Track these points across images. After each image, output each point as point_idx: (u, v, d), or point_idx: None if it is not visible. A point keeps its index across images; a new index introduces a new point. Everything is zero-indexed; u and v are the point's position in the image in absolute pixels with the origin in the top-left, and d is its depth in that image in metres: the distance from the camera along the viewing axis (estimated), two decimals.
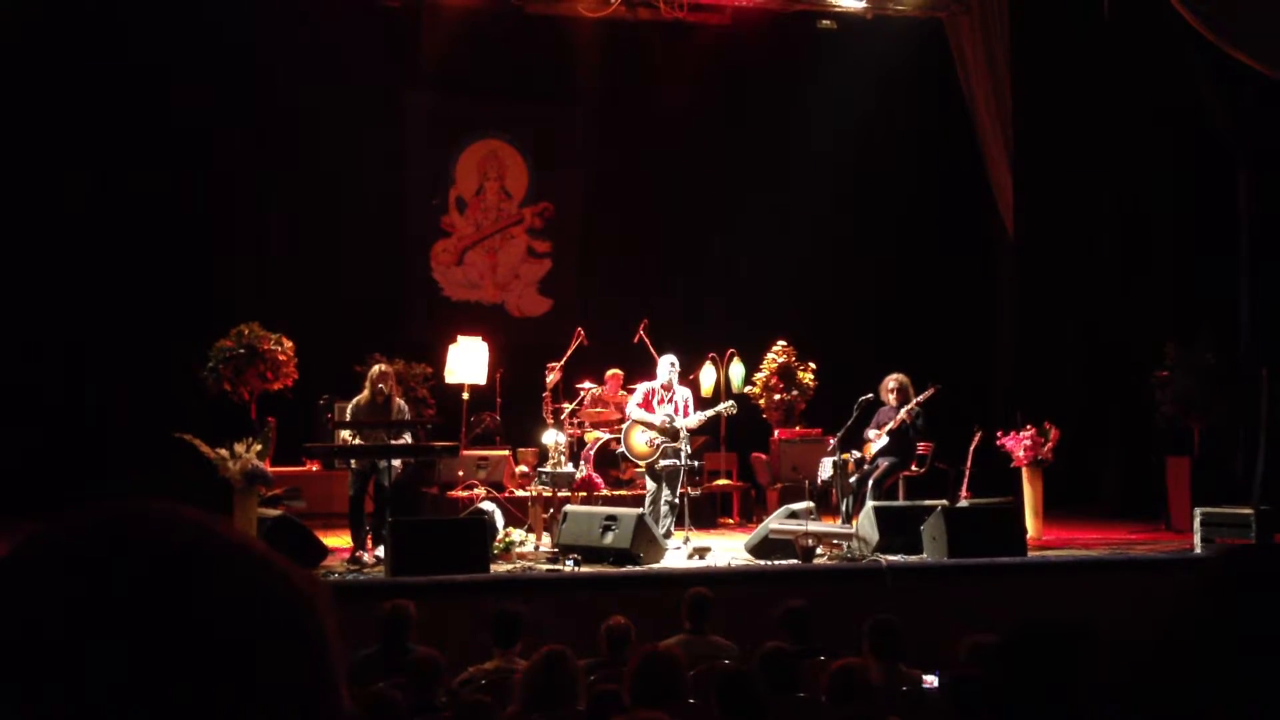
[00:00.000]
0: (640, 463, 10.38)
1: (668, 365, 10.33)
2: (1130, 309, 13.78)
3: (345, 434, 9.86)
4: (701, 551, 9.63)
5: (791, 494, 11.48)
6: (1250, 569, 0.82)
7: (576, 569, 8.92)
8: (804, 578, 8.67)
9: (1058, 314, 14.10)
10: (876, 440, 10.51)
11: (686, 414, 10.20)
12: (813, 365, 13.28)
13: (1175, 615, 0.82)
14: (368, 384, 9.85)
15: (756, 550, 9.51)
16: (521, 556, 9.64)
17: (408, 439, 9.83)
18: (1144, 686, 0.81)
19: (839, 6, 13.99)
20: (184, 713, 0.70)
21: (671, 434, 10.12)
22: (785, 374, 13.20)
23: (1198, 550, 9.86)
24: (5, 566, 0.75)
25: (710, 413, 10.32)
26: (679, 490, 10.19)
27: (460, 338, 12.33)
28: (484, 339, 12.38)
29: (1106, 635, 0.87)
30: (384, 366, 10.05)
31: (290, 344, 12.03)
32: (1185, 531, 11.00)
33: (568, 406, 11.59)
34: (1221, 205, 12.77)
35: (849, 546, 9.47)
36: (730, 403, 10.54)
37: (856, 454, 10.54)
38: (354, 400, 9.91)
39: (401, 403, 10.01)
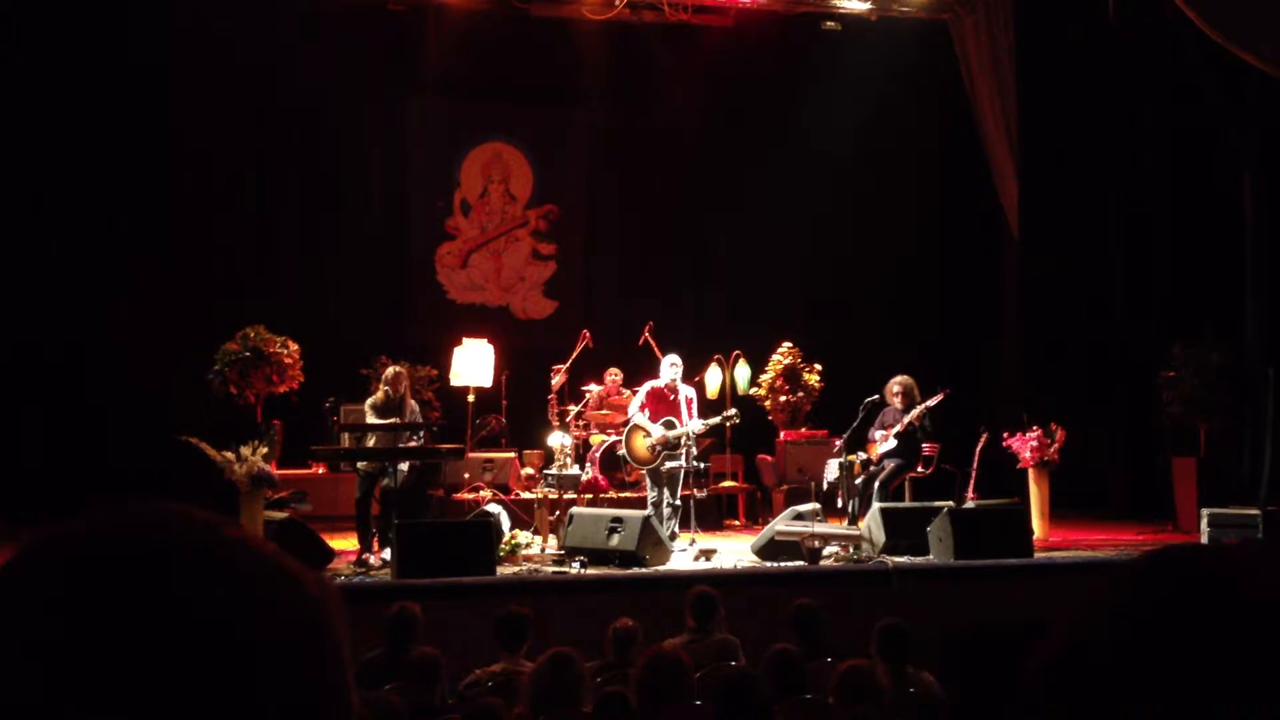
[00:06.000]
0: (642, 467, 10.36)
1: (669, 365, 10.33)
2: (1136, 309, 13.76)
3: (347, 436, 9.90)
4: (707, 553, 9.63)
5: (797, 496, 11.47)
6: (1176, 571, 0.82)
7: (583, 571, 8.92)
8: (810, 579, 8.66)
9: (1063, 314, 14.08)
10: (883, 442, 10.50)
11: (691, 413, 10.18)
12: (818, 367, 13.27)
13: (1093, 614, 0.82)
14: (381, 385, 9.88)
15: (762, 552, 9.50)
16: (527, 559, 9.65)
17: (416, 441, 9.85)
18: (1052, 686, 0.81)
19: (843, 8, 13.99)
20: (196, 715, 0.70)
21: (672, 444, 10.09)
22: (791, 375, 13.19)
23: None
24: (15, 568, 0.75)
25: (714, 421, 10.30)
26: (681, 492, 10.18)
27: (465, 340, 12.34)
28: (489, 341, 12.38)
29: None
30: (397, 368, 10.09)
31: (295, 347, 12.05)
32: (1192, 532, 11.00)
33: (573, 409, 11.59)
34: (1227, 205, 12.75)
35: (855, 548, 9.46)
36: (733, 412, 10.53)
37: (862, 455, 10.53)
38: (368, 401, 9.94)
39: (414, 404, 10.04)
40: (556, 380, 11.76)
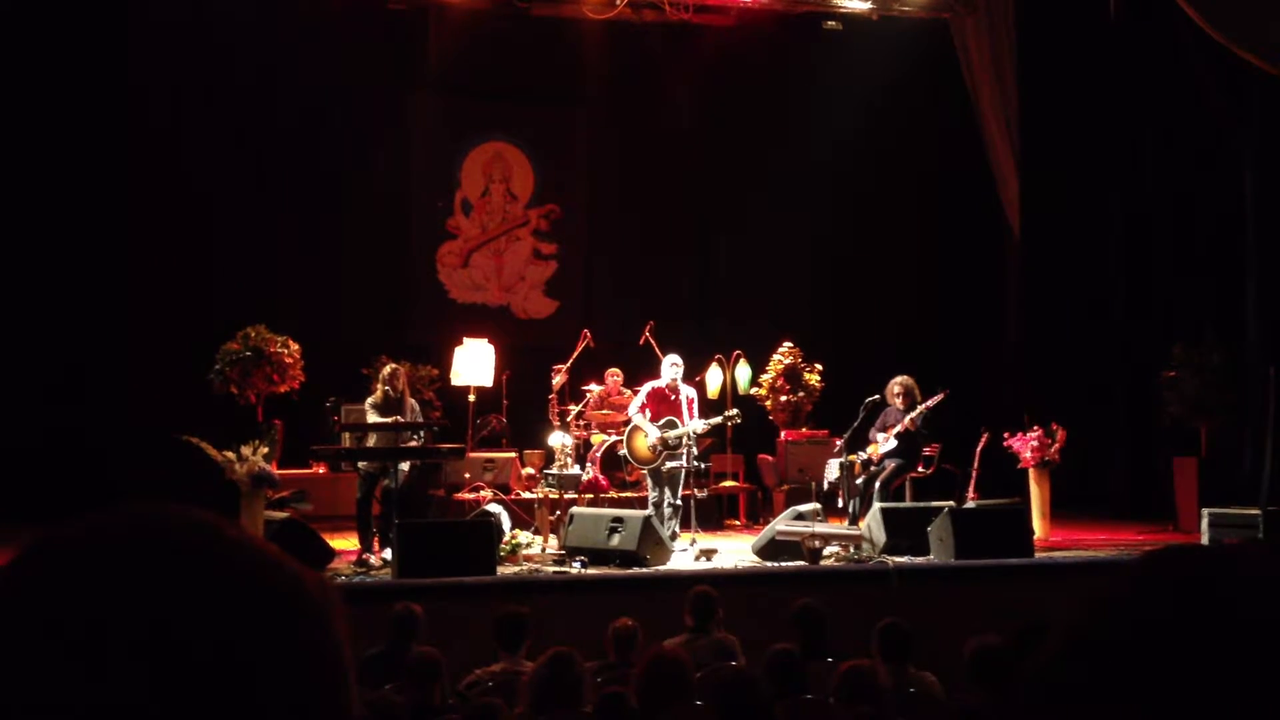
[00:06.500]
0: (643, 467, 10.36)
1: (670, 365, 10.32)
2: (1136, 309, 13.76)
3: (348, 436, 9.90)
4: (708, 553, 9.63)
5: (798, 495, 11.47)
6: (1176, 572, 0.82)
7: (583, 571, 8.92)
8: (811, 579, 8.66)
9: (1064, 314, 14.08)
10: (883, 443, 10.49)
11: (692, 413, 10.18)
12: (819, 366, 13.26)
13: (1093, 614, 0.82)
14: (380, 384, 9.87)
15: (763, 552, 9.50)
16: (528, 559, 9.65)
17: (417, 441, 9.85)
18: (1052, 686, 0.81)
19: (844, 7, 13.99)
20: (197, 716, 0.70)
21: (672, 445, 10.09)
22: (791, 375, 13.19)
23: None
24: (16, 569, 0.75)
25: (715, 421, 10.30)
26: (682, 492, 10.17)
27: (466, 340, 12.33)
28: (490, 341, 12.38)
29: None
30: (394, 365, 10.09)
31: (296, 346, 12.05)
32: (1193, 532, 10.99)
33: (574, 408, 11.59)
34: (1227, 205, 12.75)
35: (856, 548, 9.46)
36: (734, 412, 10.52)
37: (863, 455, 10.53)
38: (369, 400, 9.93)
39: (414, 403, 10.04)
40: (557, 380, 11.75)
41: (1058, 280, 14.04)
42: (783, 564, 9.21)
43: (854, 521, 10.16)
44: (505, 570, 9.00)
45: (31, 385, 12.13)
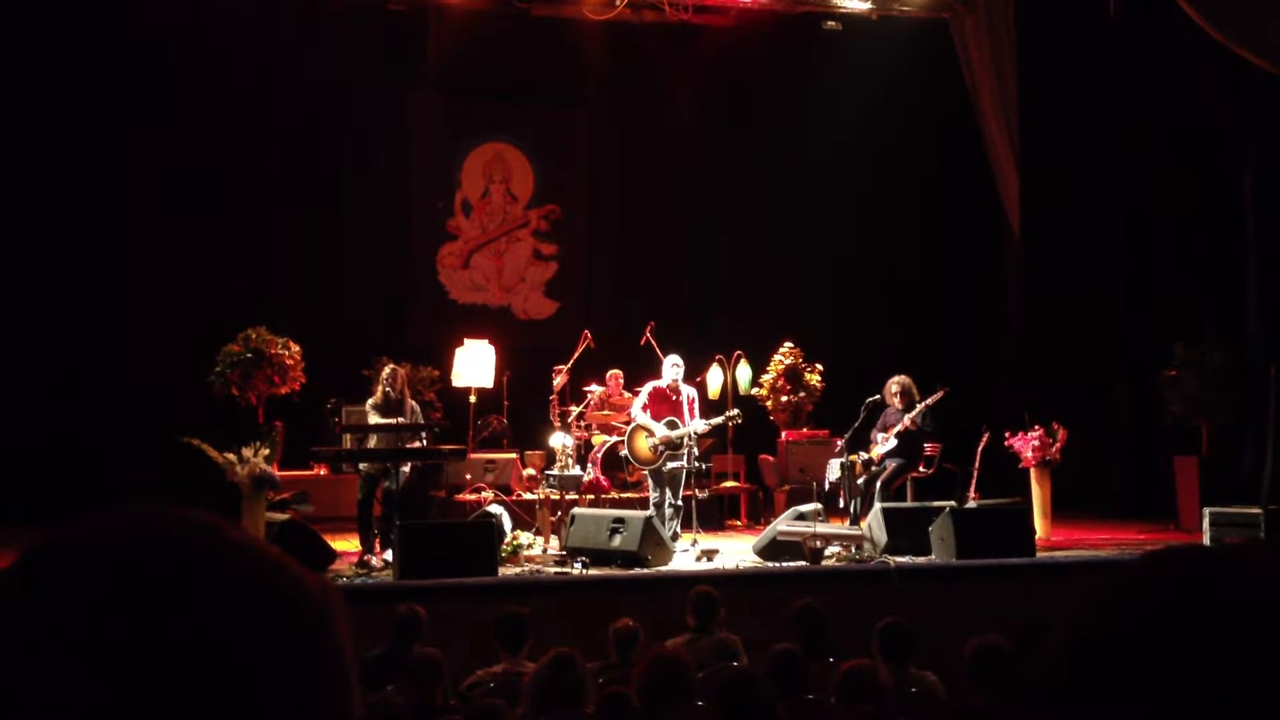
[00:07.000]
0: (644, 467, 10.35)
1: (671, 365, 10.32)
2: (1137, 308, 13.76)
3: (349, 437, 9.90)
4: (709, 553, 9.63)
5: (799, 496, 11.47)
6: (1176, 571, 0.82)
7: (584, 572, 8.92)
8: (812, 579, 8.66)
9: (1065, 313, 14.08)
10: (883, 443, 10.49)
11: (693, 414, 10.18)
12: (819, 366, 13.27)
13: (1094, 613, 0.82)
14: (380, 384, 9.88)
15: (764, 552, 9.50)
16: (529, 559, 9.65)
17: (419, 442, 9.86)
18: (1052, 685, 0.81)
19: (844, 7, 13.99)
20: (197, 717, 0.70)
21: (674, 444, 10.09)
22: (792, 375, 13.19)
23: None
24: (17, 570, 0.75)
25: (716, 421, 10.29)
26: (684, 493, 10.17)
27: (467, 341, 12.33)
28: (490, 342, 12.37)
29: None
30: (393, 366, 10.09)
31: (297, 348, 12.05)
32: (1194, 531, 11.00)
33: (575, 409, 11.58)
34: (1228, 204, 12.75)
35: (857, 548, 9.46)
36: (735, 412, 10.51)
37: (864, 455, 10.52)
38: (369, 401, 9.93)
39: (414, 404, 10.03)
40: (558, 381, 11.75)
41: (1058, 279, 14.04)
42: (784, 564, 9.21)
43: (855, 522, 10.16)
44: (506, 571, 9.00)
45: (31, 385, 12.12)
